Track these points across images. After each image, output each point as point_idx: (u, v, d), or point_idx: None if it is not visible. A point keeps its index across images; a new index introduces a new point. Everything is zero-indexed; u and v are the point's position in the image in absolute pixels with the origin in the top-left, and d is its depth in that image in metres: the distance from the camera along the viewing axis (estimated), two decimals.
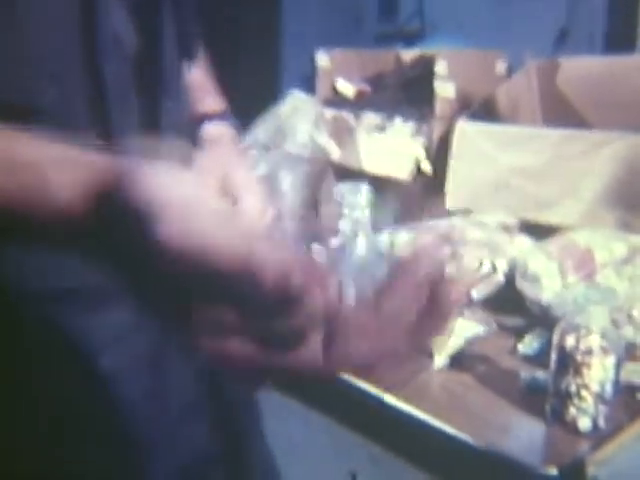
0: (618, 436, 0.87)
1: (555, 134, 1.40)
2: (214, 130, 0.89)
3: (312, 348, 0.43)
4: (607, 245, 1.17)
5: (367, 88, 1.82)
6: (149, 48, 0.67)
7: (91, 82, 0.61)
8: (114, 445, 0.65)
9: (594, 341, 0.85)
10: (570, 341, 0.86)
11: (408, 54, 1.98)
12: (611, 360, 0.85)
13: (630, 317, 0.95)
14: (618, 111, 1.65)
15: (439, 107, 1.58)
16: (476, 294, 1.32)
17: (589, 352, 0.84)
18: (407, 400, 0.97)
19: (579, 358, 0.85)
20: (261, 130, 1.63)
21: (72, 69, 0.60)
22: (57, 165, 0.44)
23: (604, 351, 0.85)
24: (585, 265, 1.14)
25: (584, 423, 0.86)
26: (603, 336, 0.85)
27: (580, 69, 1.72)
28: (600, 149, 1.30)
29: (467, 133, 1.49)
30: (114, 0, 0.63)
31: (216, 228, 0.41)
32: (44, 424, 0.62)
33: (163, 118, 0.69)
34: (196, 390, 0.72)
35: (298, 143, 1.57)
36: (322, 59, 1.80)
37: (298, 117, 1.62)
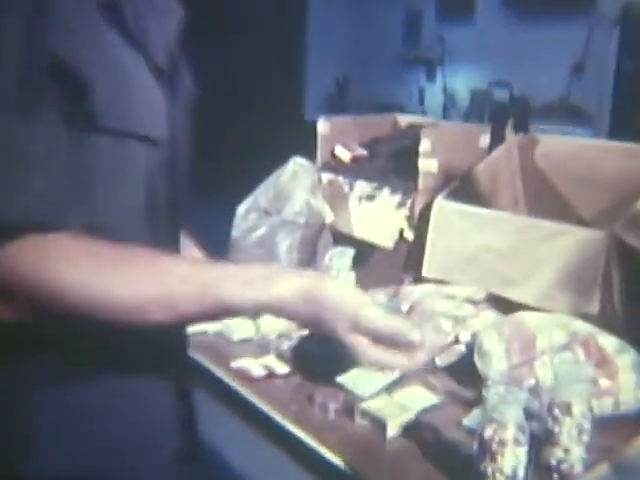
0: None
1: (519, 219, 1.56)
2: None
3: None
4: (549, 331, 1.32)
5: (363, 153, 1.99)
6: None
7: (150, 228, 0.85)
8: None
9: (509, 434, 1.00)
10: (488, 432, 1.01)
11: (404, 119, 2.15)
12: (523, 450, 1.01)
13: (551, 408, 1.10)
14: (590, 188, 1.80)
15: (422, 182, 1.74)
16: (439, 362, 1.48)
17: (503, 443, 1.00)
18: (353, 464, 1.14)
19: (494, 447, 1.00)
20: (262, 194, 1.81)
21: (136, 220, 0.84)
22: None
23: (517, 443, 1.00)
24: (527, 350, 1.29)
25: None
26: (518, 429, 1.01)
27: (556, 146, 1.87)
28: (556, 238, 1.45)
29: (445, 210, 1.65)
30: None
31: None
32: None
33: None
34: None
35: (295, 210, 1.74)
36: (322, 126, 1.97)
37: (296, 183, 1.79)
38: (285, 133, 6.51)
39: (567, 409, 1.08)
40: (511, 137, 1.86)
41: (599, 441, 1.12)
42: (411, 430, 1.24)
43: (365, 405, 1.28)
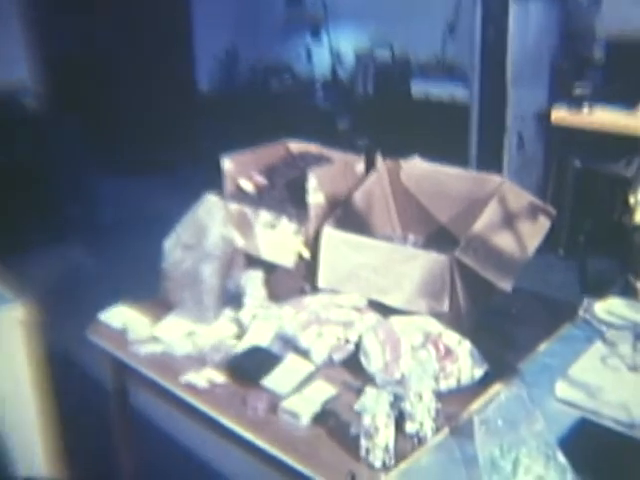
0: (399, 467, 1.55)
1: (386, 246, 2.05)
2: None
3: None
4: (410, 334, 1.84)
5: (263, 181, 2.42)
6: None
7: None
8: None
9: (379, 422, 1.52)
10: (366, 420, 1.52)
11: (295, 146, 2.58)
12: (391, 430, 1.53)
13: (419, 397, 1.61)
14: (444, 200, 2.31)
15: (312, 212, 2.20)
16: (335, 358, 1.98)
17: (377, 428, 1.51)
18: (280, 449, 1.63)
19: (371, 431, 1.52)
20: (183, 231, 2.22)
21: None
22: None
23: (386, 426, 1.52)
24: (395, 350, 1.80)
25: (378, 464, 1.54)
26: (387, 417, 1.52)
27: (417, 169, 2.37)
28: (413, 259, 1.96)
29: (331, 237, 2.13)
30: None
31: None
32: None
33: None
34: None
35: (212, 243, 2.16)
36: (226, 163, 2.38)
37: (210, 219, 2.21)
38: (177, 102, 6.76)
39: (420, 397, 1.61)
40: (381, 164, 2.34)
41: (446, 409, 1.67)
42: (319, 418, 1.74)
43: (284, 403, 1.76)
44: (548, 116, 4.67)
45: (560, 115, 4.57)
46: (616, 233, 2.61)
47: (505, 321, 2.12)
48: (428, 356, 1.79)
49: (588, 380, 1.77)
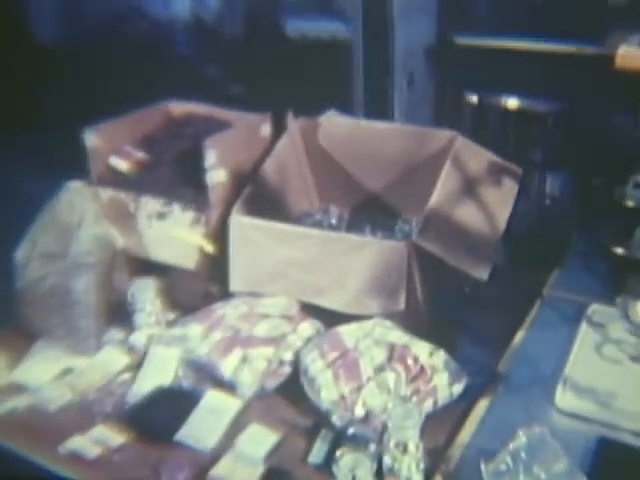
0: None
1: (320, 234, 1.58)
2: None
3: None
4: (369, 351, 1.40)
5: (142, 156, 1.85)
6: None
7: None
8: None
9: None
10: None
11: (177, 108, 2.02)
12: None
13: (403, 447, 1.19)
14: (375, 164, 1.87)
15: (213, 194, 1.68)
16: (268, 386, 1.51)
17: None
18: None
19: None
20: (41, 237, 1.64)
21: None
22: None
23: None
24: (353, 377, 1.36)
25: None
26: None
27: (337, 127, 1.89)
28: (358, 251, 1.51)
29: (242, 226, 1.62)
30: None
31: None
32: None
33: None
34: None
35: (83, 250, 1.60)
36: (90, 139, 1.78)
37: (76, 216, 1.64)
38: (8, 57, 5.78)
39: (404, 449, 1.18)
40: (292, 123, 1.84)
41: (426, 442, 1.26)
42: None
43: (214, 471, 1.28)
44: (439, 50, 4.31)
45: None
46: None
47: (464, 309, 1.74)
48: (397, 379, 1.37)
49: (592, 383, 1.42)
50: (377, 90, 4.64)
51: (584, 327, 1.61)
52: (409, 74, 4.52)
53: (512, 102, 3.97)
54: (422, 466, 1.21)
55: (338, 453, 1.12)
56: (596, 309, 1.66)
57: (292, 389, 1.49)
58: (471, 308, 1.76)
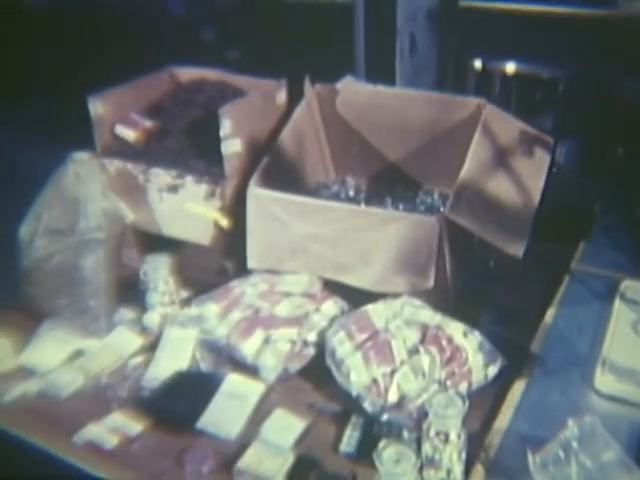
0: None
1: (344, 208, 1.49)
2: None
3: None
4: (401, 333, 1.32)
5: (150, 124, 1.75)
6: None
7: None
8: None
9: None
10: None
11: (184, 74, 1.91)
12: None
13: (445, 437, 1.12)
14: (395, 133, 1.77)
15: (229, 165, 1.58)
16: (291, 369, 1.44)
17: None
18: None
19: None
20: (45, 212, 1.54)
21: None
22: None
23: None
24: (386, 359, 1.29)
25: None
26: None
27: (356, 95, 1.79)
28: (387, 225, 1.42)
29: (261, 199, 1.53)
30: None
31: None
32: None
33: None
34: None
35: (91, 225, 1.51)
36: (95, 107, 1.67)
37: (83, 189, 1.54)
38: None
39: (446, 438, 1.11)
40: (309, 90, 1.74)
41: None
42: (296, 473, 1.21)
43: (241, 464, 1.21)
44: (442, 12, 4.17)
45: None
46: None
47: (491, 285, 1.66)
48: (431, 361, 1.29)
49: (632, 364, 1.35)
50: (379, 54, 4.52)
51: (617, 304, 1.54)
52: (411, 38, 4.40)
53: (518, 67, 3.87)
54: (464, 456, 1.14)
55: (381, 445, 1.05)
56: (629, 285, 1.59)
57: (315, 372, 1.42)
58: (496, 283, 1.69)
